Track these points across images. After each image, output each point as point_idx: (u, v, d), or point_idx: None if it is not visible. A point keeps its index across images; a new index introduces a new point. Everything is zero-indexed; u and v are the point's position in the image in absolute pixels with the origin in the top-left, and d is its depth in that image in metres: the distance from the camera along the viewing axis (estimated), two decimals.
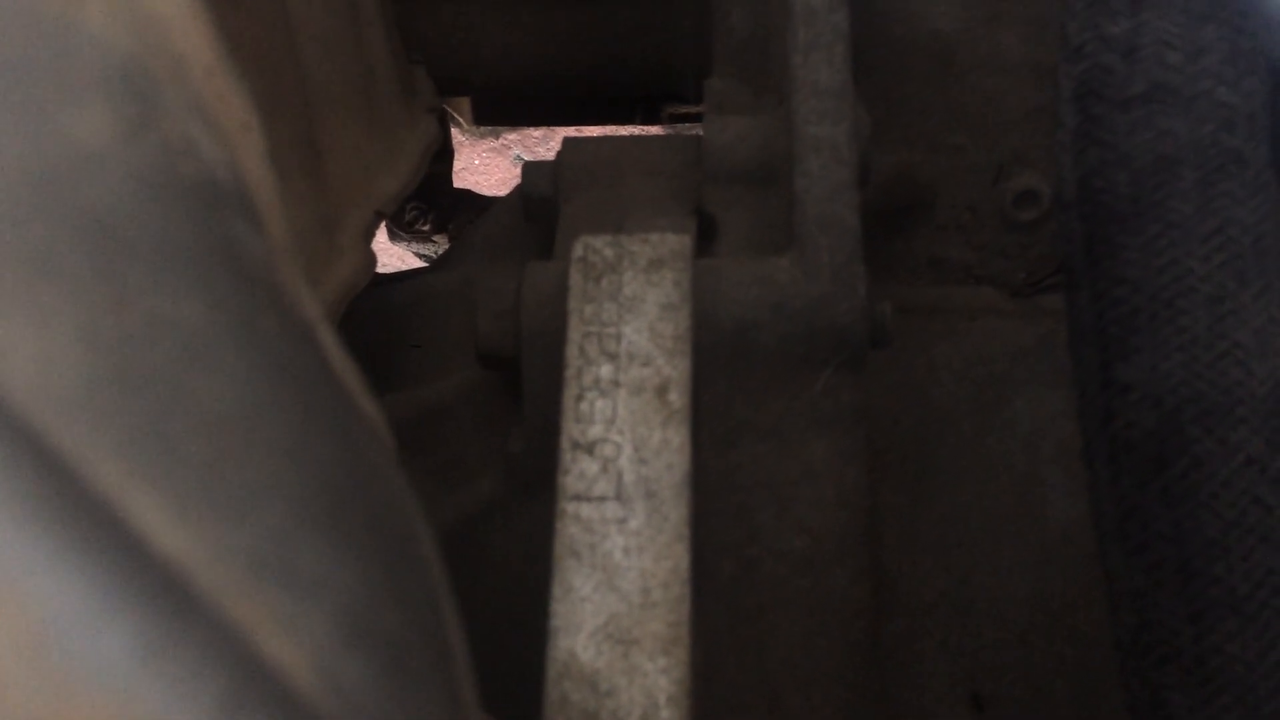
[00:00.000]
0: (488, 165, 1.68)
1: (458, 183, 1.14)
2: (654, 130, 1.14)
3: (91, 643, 0.13)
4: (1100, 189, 0.37)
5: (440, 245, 1.13)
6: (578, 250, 0.45)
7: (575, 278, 0.44)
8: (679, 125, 1.14)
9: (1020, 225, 0.61)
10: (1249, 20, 0.37)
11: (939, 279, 0.62)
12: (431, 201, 1.08)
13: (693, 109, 1.07)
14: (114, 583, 0.14)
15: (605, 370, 0.42)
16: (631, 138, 0.60)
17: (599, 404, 0.42)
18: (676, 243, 0.45)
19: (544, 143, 1.70)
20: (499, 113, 1.10)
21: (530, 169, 0.59)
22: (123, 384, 0.17)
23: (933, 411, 0.57)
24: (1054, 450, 0.56)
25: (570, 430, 0.41)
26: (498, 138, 1.66)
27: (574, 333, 0.43)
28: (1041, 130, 0.60)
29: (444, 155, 1.04)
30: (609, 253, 0.45)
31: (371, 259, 0.57)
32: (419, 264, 1.16)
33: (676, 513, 0.39)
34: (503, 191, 1.57)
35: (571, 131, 1.31)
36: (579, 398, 0.42)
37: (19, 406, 0.15)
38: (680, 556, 0.39)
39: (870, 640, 0.46)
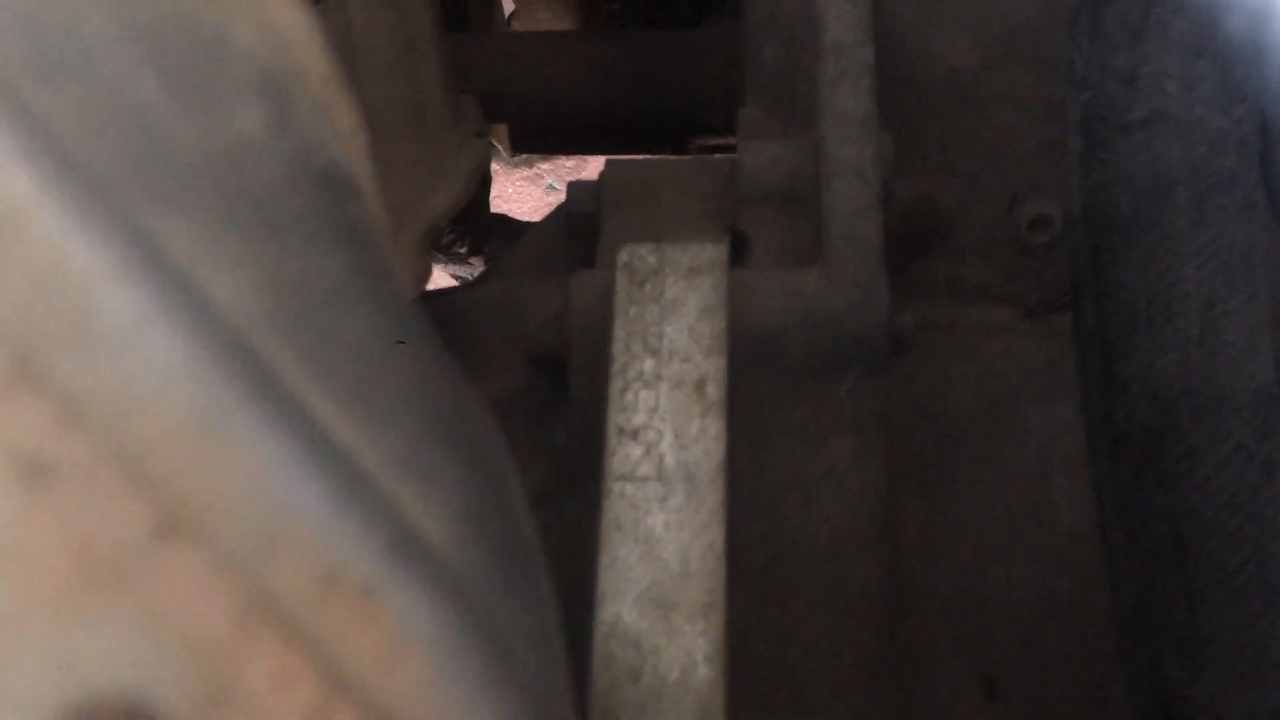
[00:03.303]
0: (521, 194, 1.73)
1: (492, 209, 1.19)
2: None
3: (298, 489, 0.17)
4: (1104, 205, 0.41)
5: (476, 267, 1.18)
6: (623, 257, 0.49)
7: (621, 281, 0.48)
8: (705, 155, 1.19)
9: (1033, 249, 0.65)
10: (1238, 54, 0.40)
11: (956, 299, 0.66)
12: (469, 225, 1.13)
13: (719, 140, 1.12)
14: (310, 450, 0.17)
15: (648, 365, 0.46)
16: (670, 160, 0.65)
17: (643, 395, 0.45)
18: (714, 251, 0.49)
19: (576, 172, 1.75)
20: (535, 141, 1.14)
21: (575, 188, 0.64)
22: (293, 314, 0.21)
23: (949, 422, 0.61)
24: (1063, 459, 0.59)
25: (616, 418, 0.45)
26: (531, 167, 1.72)
27: (619, 331, 0.47)
28: (1053, 160, 0.64)
29: (482, 182, 1.09)
30: (652, 259, 0.49)
31: (427, 267, 0.61)
32: (455, 285, 1.20)
33: (713, 494, 0.43)
34: (535, 219, 1.62)
35: (603, 161, 1.36)
36: (624, 389, 0.46)
37: (228, 320, 0.19)
38: (716, 534, 0.42)
39: (888, 627, 0.50)
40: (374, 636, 0.16)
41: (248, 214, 0.22)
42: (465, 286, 0.74)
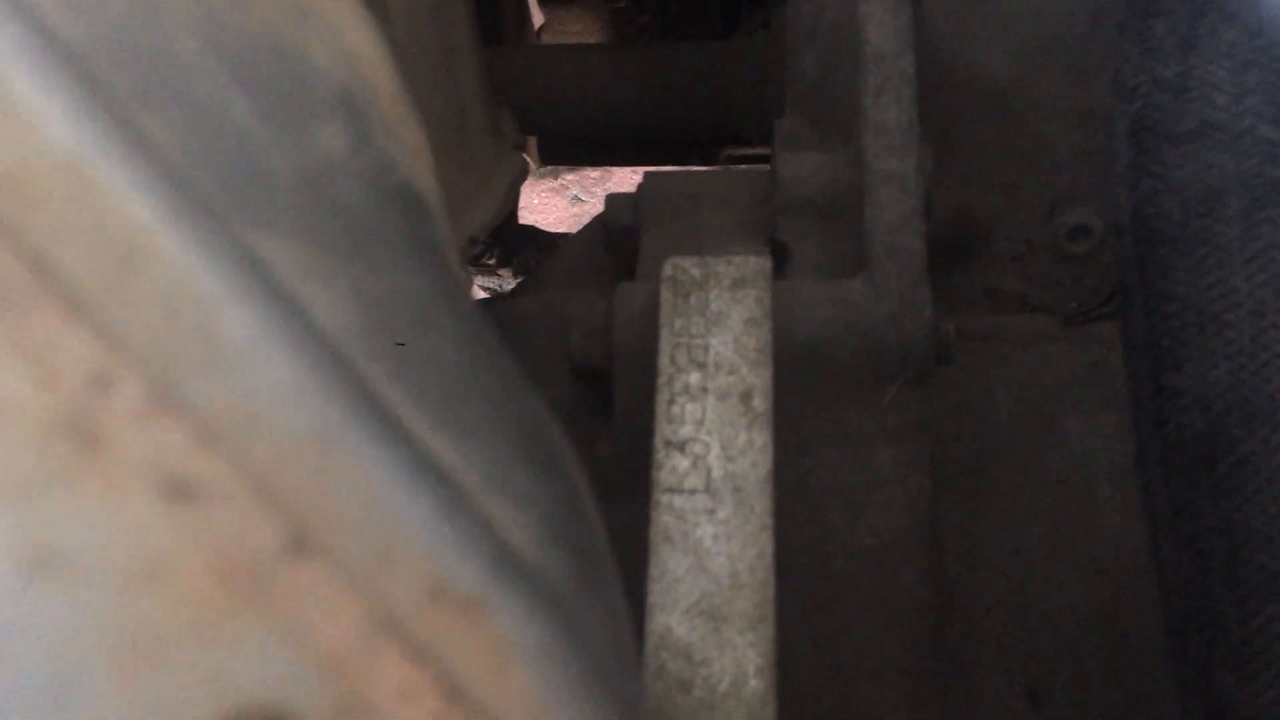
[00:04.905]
0: (546, 204, 1.74)
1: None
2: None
3: (408, 504, 0.17)
4: (1153, 215, 0.41)
5: (505, 279, 1.19)
6: (667, 270, 0.49)
7: (665, 294, 0.49)
8: (735, 166, 1.19)
9: (1072, 258, 0.65)
10: None
11: (995, 308, 0.66)
12: (498, 236, 1.14)
13: (749, 150, 1.12)
14: (415, 465, 0.18)
15: (694, 377, 0.46)
16: (707, 172, 0.65)
17: (689, 407, 0.46)
18: (758, 264, 0.49)
19: (601, 183, 1.76)
20: (564, 153, 1.15)
21: (613, 200, 0.64)
22: (383, 334, 0.21)
23: (990, 431, 0.61)
24: (1105, 467, 0.59)
25: (663, 430, 0.45)
26: (556, 178, 1.73)
27: (665, 344, 0.47)
28: (1091, 169, 0.64)
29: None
30: (696, 272, 0.49)
31: (467, 281, 0.62)
32: (484, 296, 1.21)
33: (761, 505, 0.43)
34: (562, 229, 1.63)
35: (628, 172, 1.36)
36: (670, 401, 0.46)
37: (330, 339, 0.19)
38: (765, 544, 0.43)
39: (933, 634, 0.50)
40: (481, 647, 0.17)
41: (337, 233, 0.23)
42: (503, 298, 0.74)
